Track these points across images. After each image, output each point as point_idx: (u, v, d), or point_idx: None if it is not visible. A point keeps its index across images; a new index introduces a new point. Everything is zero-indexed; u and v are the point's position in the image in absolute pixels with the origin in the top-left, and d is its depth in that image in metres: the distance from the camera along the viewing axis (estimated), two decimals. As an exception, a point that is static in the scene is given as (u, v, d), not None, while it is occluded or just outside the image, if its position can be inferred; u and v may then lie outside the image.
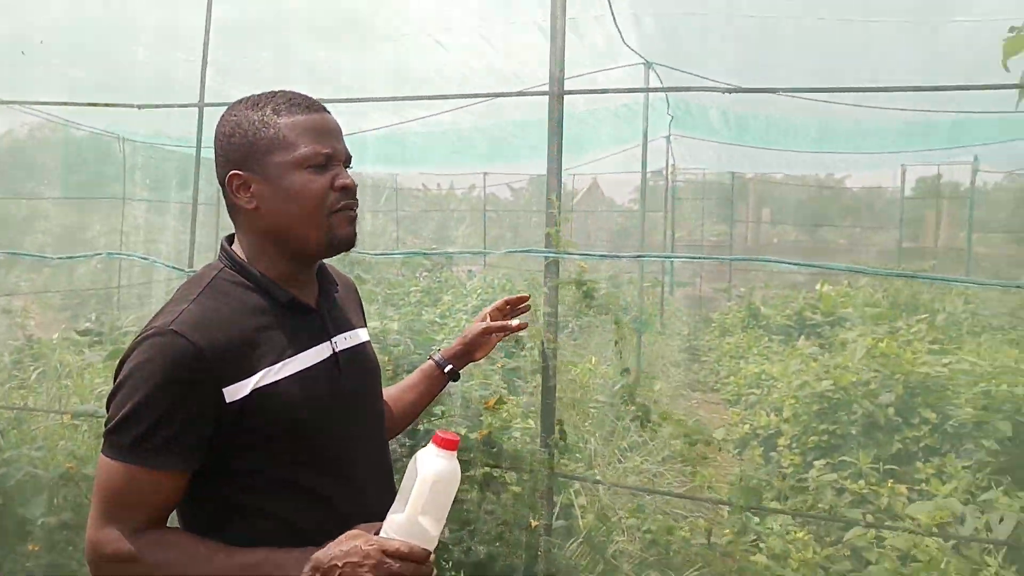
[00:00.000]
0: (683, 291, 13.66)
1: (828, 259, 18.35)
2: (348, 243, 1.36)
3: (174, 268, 3.49)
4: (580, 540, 3.23)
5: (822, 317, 8.81)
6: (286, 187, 1.31)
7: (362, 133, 7.07)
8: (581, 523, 3.34)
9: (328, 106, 1.39)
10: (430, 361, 1.78)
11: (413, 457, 1.27)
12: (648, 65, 6.13)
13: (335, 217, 1.33)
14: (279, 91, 1.36)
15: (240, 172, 1.32)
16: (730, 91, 3.16)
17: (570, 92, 2.45)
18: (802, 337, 7.98)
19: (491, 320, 1.80)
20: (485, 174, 13.86)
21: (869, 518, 3.39)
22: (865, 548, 3.16)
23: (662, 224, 12.43)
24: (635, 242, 7.92)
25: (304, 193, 1.30)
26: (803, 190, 19.69)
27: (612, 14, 4.49)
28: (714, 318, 10.72)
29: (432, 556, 1.24)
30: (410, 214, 18.27)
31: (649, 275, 12.11)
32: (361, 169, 13.08)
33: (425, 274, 10.73)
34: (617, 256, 3.49)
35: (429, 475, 1.23)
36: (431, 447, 1.25)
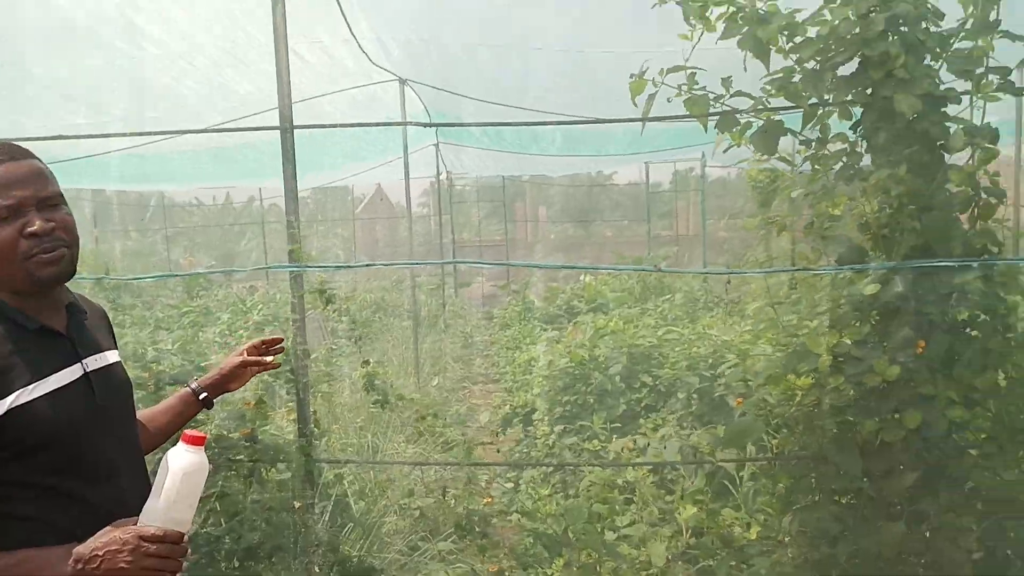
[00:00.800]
0: (467, 290, 14.35)
1: (598, 250, 20.01)
2: (51, 281, 1.48)
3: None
4: (351, 523, 3.57)
5: (586, 305, 9.79)
6: None
7: (108, 154, 6.82)
8: (354, 507, 3.69)
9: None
10: (187, 388, 1.89)
11: (164, 455, 1.45)
12: (402, 81, 6.54)
13: (30, 262, 1.43)
14: None
15: None
16: (421, 124, 3.64)
17: (299, 127, 2.78)
18: (572, 324, 8.83)
19: (248, 356, 1.93)
20: (260, 188, 13.63)
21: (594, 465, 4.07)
22: (594, 493, 3.80)
23: (445, 228, 13.00)
24: (413, 248, 8.37)
25: None
26: (578, 189, 21.20)
27: (356, 40, 4.85)
28: (495, 313, 11.47)
29: (186, 539, 1.43)
30: (183, 230, 17.37)
31: (434, 278, 12.67)
32: (122, 186, 12.33)
33: (203, 293, 10.45)
34: (349, 266, 3.91)
35: (179, 468, 1.40)
36: (180, 444, 1.44)
